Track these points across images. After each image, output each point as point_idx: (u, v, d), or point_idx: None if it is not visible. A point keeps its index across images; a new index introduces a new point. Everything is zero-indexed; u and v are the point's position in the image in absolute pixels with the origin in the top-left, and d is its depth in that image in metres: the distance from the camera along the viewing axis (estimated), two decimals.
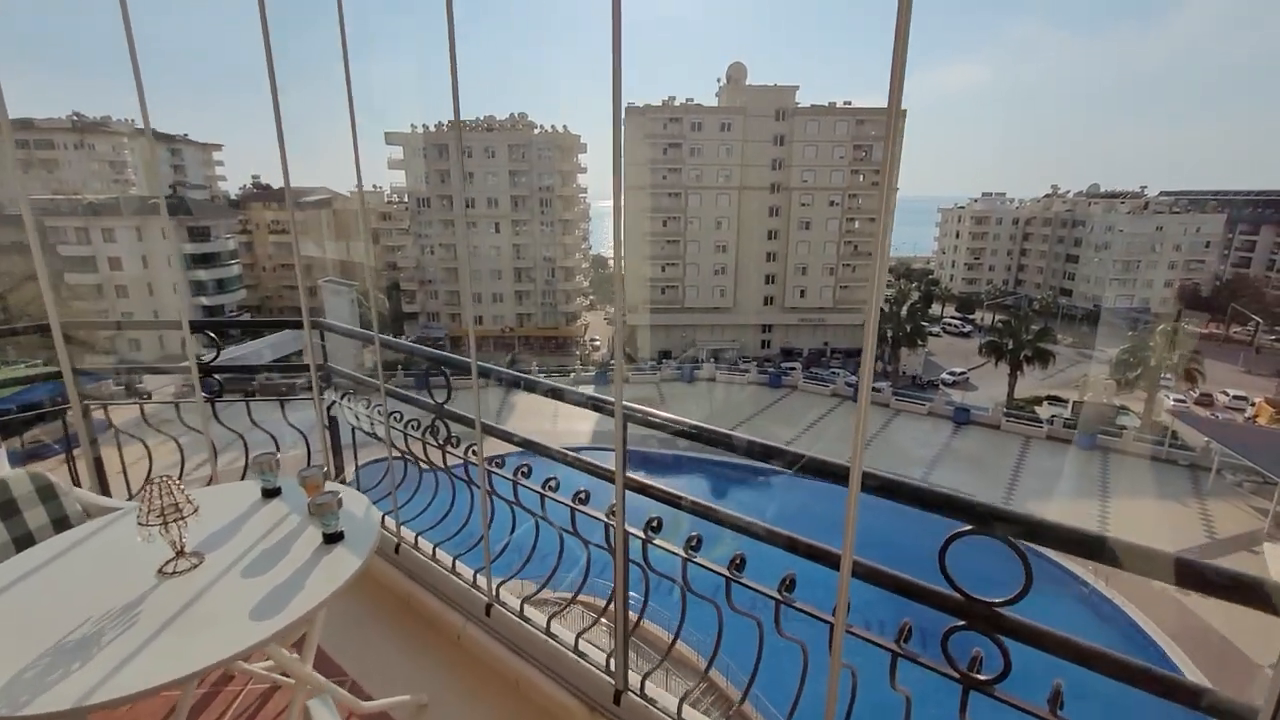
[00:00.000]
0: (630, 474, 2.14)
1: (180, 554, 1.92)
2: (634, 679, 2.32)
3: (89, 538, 2.10)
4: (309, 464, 3.50)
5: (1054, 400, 37.70)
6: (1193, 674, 14.61)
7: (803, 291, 53.85)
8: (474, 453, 2.80)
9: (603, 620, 2.66)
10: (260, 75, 2.73)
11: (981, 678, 1.48)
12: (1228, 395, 39.00)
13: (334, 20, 2.43)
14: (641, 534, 2.16)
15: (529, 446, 2.62)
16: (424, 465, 3.14)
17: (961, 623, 1.49)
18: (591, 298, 63.64)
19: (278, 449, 3.40)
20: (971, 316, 64.07)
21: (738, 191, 52.15)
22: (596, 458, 2.44)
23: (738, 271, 53.36)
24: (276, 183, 63.88)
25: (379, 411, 3.23)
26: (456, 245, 52.57)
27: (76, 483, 3.42)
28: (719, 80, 54.38)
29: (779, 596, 1.83)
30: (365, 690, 2.56)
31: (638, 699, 2.27)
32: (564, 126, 54.13)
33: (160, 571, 1.87)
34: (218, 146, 66.83)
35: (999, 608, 1.44)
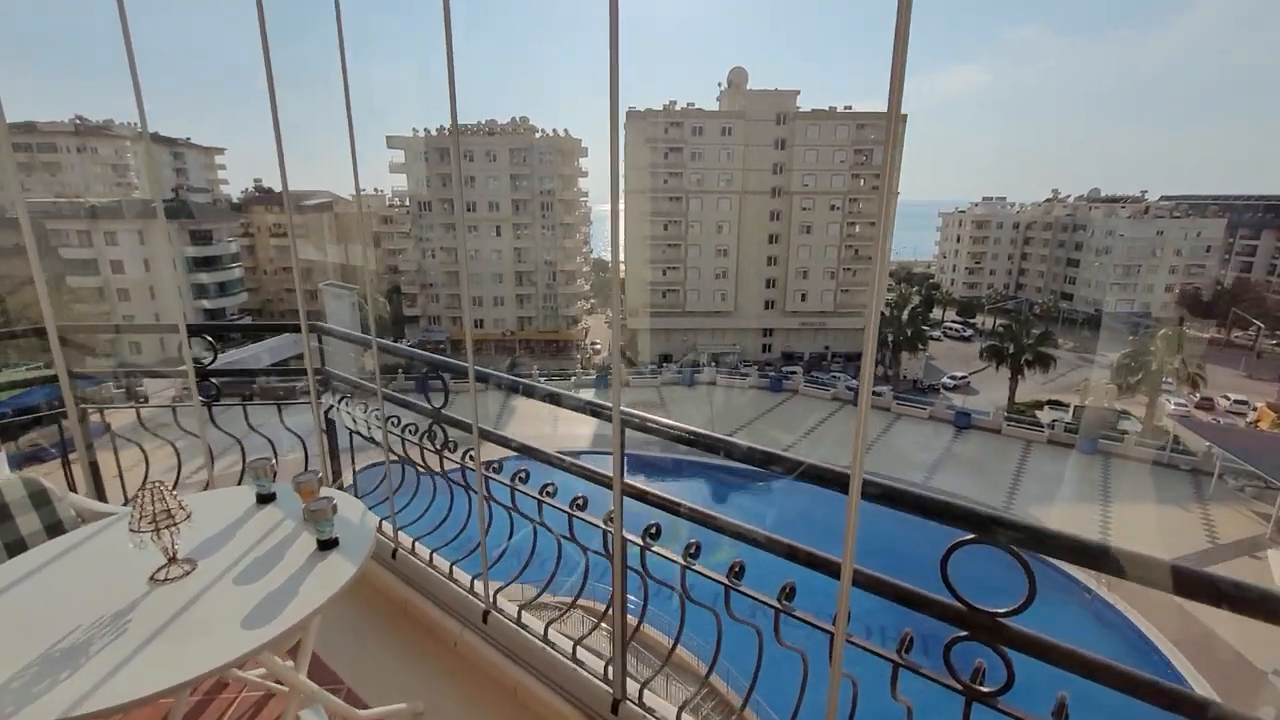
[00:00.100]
0: (629, 479, 2.12)
1: (172, 561, 1.89)
2: (632, 688, 2.30)
3: (81, 544, 2.08)
4: (306, 468, 3.49)
5: (1055, 404, 37.63)
6: (1197, 682, 14.54)
7: (804, 295, 53.86)
8: (471, 458, 2.78)
9: (602, 625, 2.64)
10: (262, 80, 2.72)
11: (984, 690, 1.46)
12: (1229, 400, 38.93)
13: (334, 24, 2.42)
14: (640, 541, 2.13)
15: (526, 451, 2.60)
16: (421, 470, 3.12)
17: (964, 633, 1.46)
18: (592, 301, 63.65)
19: (275, 454, 3.38)
20: (972, 321, 64.03)
21: (739, 195, 52.22)
22: (595, 463, 2.42)
23: (739, 275, 53.38)
24: (278, 186, 63.86)
25: (376, 416, 3.21)
26: (457, 249, 52.63)
27: (73, 487, 3.40)
28: (720, 84, 54.55)
29: (778, 605, 1.80)
30: (361, 698, 2.53)
31: (636, 708, 2.24)
32: (565, 130, 54.27)
33: (152, 579, 1.85)
34: (220, 150, 67.03)
35: (1002, 618, 1.42)
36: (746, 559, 1.97)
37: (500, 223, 52.69)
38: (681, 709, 2.17)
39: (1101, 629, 16.84)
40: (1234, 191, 70.78)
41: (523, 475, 2.58)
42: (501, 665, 2.60)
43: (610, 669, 2.32)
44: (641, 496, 2.12)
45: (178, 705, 2.15)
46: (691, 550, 2.05)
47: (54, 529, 2.36)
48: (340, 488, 3.72)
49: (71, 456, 3.49)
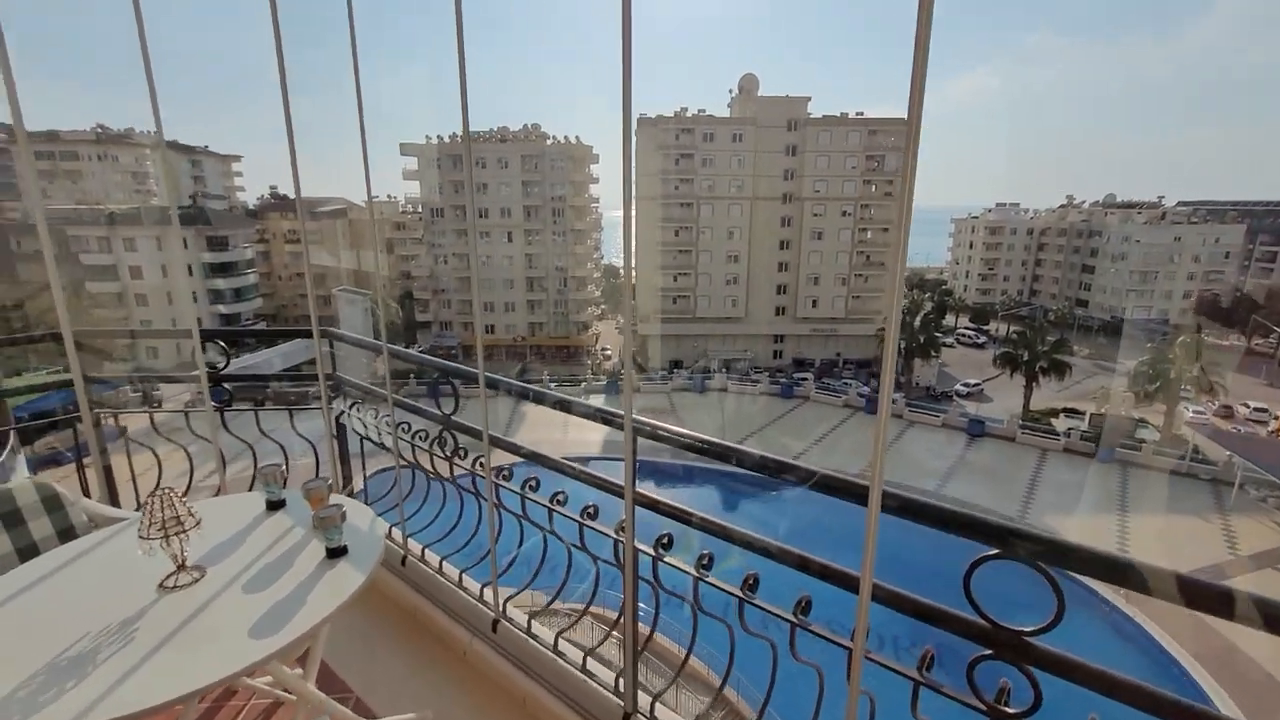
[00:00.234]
0: (640, 488, 2.08)
1: (182, 568, 1.88)
2: (643, 700, 2.26)
3: (92, 550, 2.08)
4: (317, 474, 3.49)
5: (1070, 412, 37.12)
6: (1221, 699, 14.20)
7: (815, 301, 53.64)
8: (482, 465, 2.76)
9: (612, 635, 2.60)
10: (278, 88, 2.73)
11: (1010, 710, 1.41)
12: (1248, 408, 38.21)
13: (349, 30, 2.43)
14: (652, 551, 2.10)
15: (536, 458, 2.58)
16: (432, 476, 3.10)
17: (988, 651, 1.41)
18: (603, 307, 63.76)
19: (286, 459, 3.39)
20: (986, 327, 63.44)
21: (749, 202, 52.19)
22: (605, 469, 2.39)
23: (749, 281, 53.28)
24: (294, 193, 64.70)
25: (387, 422, 3.20)
26: (469, 255, 52.96)
27: (86, 491, 3.42)
28: (731, 91, 54.66)
29: (794, 619, 1.76)
30: (369, 707, 2.51)
31: None
32: (577, 137, 54.56)
33: (161, 585, 1.84)
34: (237, 158, 68.02)
35: (1029, 637, 1.37)
36: (759, 568, 1.93)
37: (512, 229, 52.98)
38: None
39: (1122, 643, 16.51)
40: (1253, 197, 69.78)
41: (533, 483, 2.56)
42: (511, 675, 2.57)
43: (621, 681, 2.28)
44: (653, 506, 2.09)
45: (186, 713, 2.14)
46: (704, 561, 2.01)
47: (66, 534, 2.36)
48: (350, 493, 3.71)
49: (86, 460, 3.51)
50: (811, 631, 1.73)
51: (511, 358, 52.52)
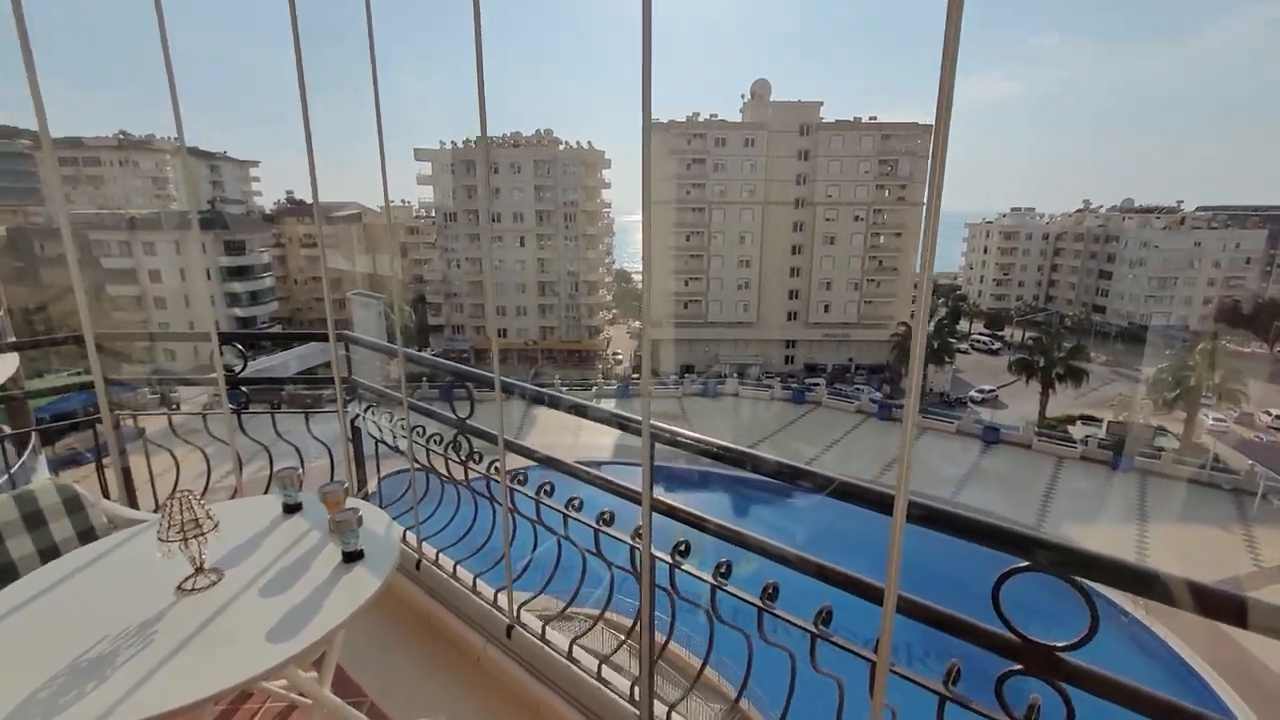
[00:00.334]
0: (656, 494, 2.06)
1: (199, 570, 1.89)
2: (659, 709, 2.23)
3: (111, 551, 2.09)
4: (332, 477, 3.50)
5: (1088, 420, 36.59)
6: (1242, 713, 13.88)
7: (827, 306, 53.37)
8: (497, 469, 2.75)
9: (628, 642, 2.57)
10: (296, 94, 2.76)
11: None
12: (1270, 415, 37.47)
13: (364, 39, 2.44)
14: (669, 558, 2.08)
15: (552, 464, 2.56)
16: (446, 480, 3.10)
17: (1018, 667, 1.38)
18: (614, 312, 63.85)
19: (301, 461, 3.40)
20: (1000, 333, 62.77)
21: (761, 206, 52.09)
22: (618, 473, 2.37)
23: (761, 286, 53.12)
24: (310, 198, 65.55)
25: (402, 425, 3.20)
26: (481, 259, 53.29)
27: (106, 492, 3.45)
28: (743, 96, 54.62)
29: (815, 630, 1.73)
30: (384, 712, 2.50)
31: None
32: (589, 142, 54.77)
33: (179, 588, 1.84)
34: (255, 163, 68.98)
35: (1061, 652, 1.33)
36: (772, 576, 1.90)
37: (524, 233, 53.24)
38: None
39: (1142, 656, 16.18)
40: (1276, 202, 68.58)
41: (548, 488, 2.54)
42: (525, 682, 2.55)
43: (637, 689, 2.26)
44: (670, 513, 2.06)
45: (202, 716, 2.14)
46: (722, 570, 1.98)
47: (86, 535, 2.38)
48: (365, 496, 3.72)
49: (105, 461, 3.54)
50: (833, 643, 1.70)
51: (523, 361, 52.68)
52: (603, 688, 2.33)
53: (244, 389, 3.46)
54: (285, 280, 58.41)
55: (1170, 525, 24.21)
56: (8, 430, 4.12)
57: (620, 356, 54.63)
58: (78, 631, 1.66)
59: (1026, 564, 1.33)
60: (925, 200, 1.20)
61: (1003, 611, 1.38)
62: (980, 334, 62.32)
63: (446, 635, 2.90)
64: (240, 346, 3.53)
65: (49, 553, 2.26)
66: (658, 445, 2.05)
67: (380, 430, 3.30)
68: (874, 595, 1.53)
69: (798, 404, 38.62)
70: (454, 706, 2.55)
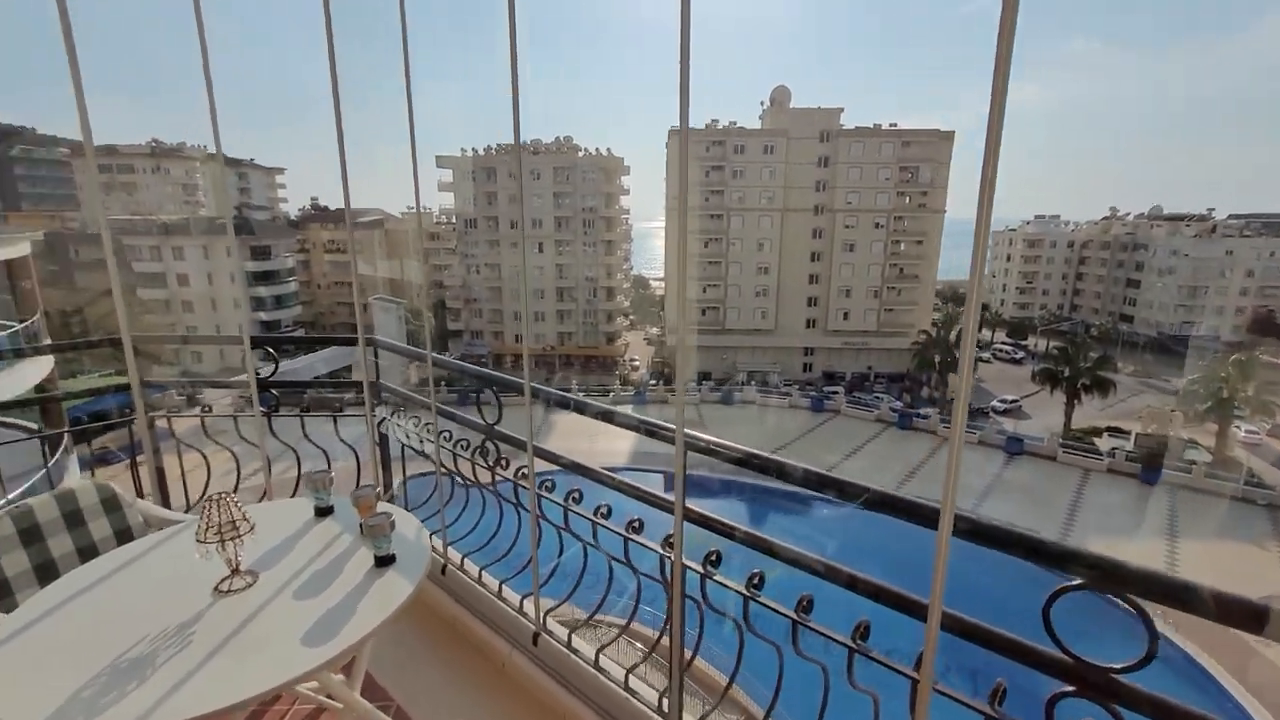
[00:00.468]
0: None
1: (235, 572, 1.90)
2: None
3: (149, 551, 2.12)
4: (358, 480, 3.53)
5: (1115, 431, 35.78)
6: None
7: (846, 314, 52.94)
8: (524, 475, 2.75)
9: (653, 652, 2.54)
10: (321, 101, 2.80)
11: None
12: None
13: (387, 45, 2.47)
14: (700, 568, 2.05)
15: (580, 470, 2.55)
16: (470, 484, 3.10)
17: (1070, 688, 1.33)
18: (632, 318, 63.93)
19: (329, 464, 3.43)
20: (1024, 342, 61.70)
21: (780, 213, 51.91)
22: (635, 479, 2.37)
23: (780, 293, 52.87)
24: (334, 204, 66.88)
25: (428, 429, 3.22)
26: (518, 264, 53.75)
27: (139, 490, 3.51)
28: (762, 103, 54.58)
29: (854, 645, 1.69)
30: (411, 717, 2.50)
31: None
32: (608, 149, 55.08)
33: (216, 589, 1.86)
34: (280, 170, 70.41)
35: (1117, 674, 1.28)
36: (802, 588, 1.86)
37: (543, 239, 53.62)
38: None
39: (1174, 675, 15.71)
40: None
41: (576, 495, 2.53)
42: (551, 690, 2.53)
43: (665, 701, 2.23)
44: (703, 522, 2.04)
45: (234, 718, 2.15)
46: (755, 581, 1.95)
47: (123, 534, 2.42)
48: (390, 500, 3.74)
49: (138, 459, 3.61)
50: (872, 659, 1.66)
51: (541, 367, 52.93)
52: (630, 698, 2.31)
53: (274, 393, 3.50)
54: (309, 285, 59.40)
55: (1202, 541, 23.54)
56: (43, 429, 4.22)
57: (637, 363, 54.64)
58: (118, 631, 1.68)
59: (1079, 582, 1.29)
60: (977, 207, 1.17)
61: (1054, 631, 1.34)
62: (1003, 343, 61.32)
63: (472, 641, 2.90)
64: (270, 350, 3.58)
65: (87, 551, 2.30)
66: (670, 450, 2.02)
67: (408, 435, 3.31)
68: (916, 610, 1.49)
69: (816, 412, 38.29)
70: (480, 713, 2.54)
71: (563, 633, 2.64)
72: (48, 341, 15.05)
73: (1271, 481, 26.71)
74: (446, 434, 3.12)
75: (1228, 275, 56.20)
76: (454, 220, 56.84)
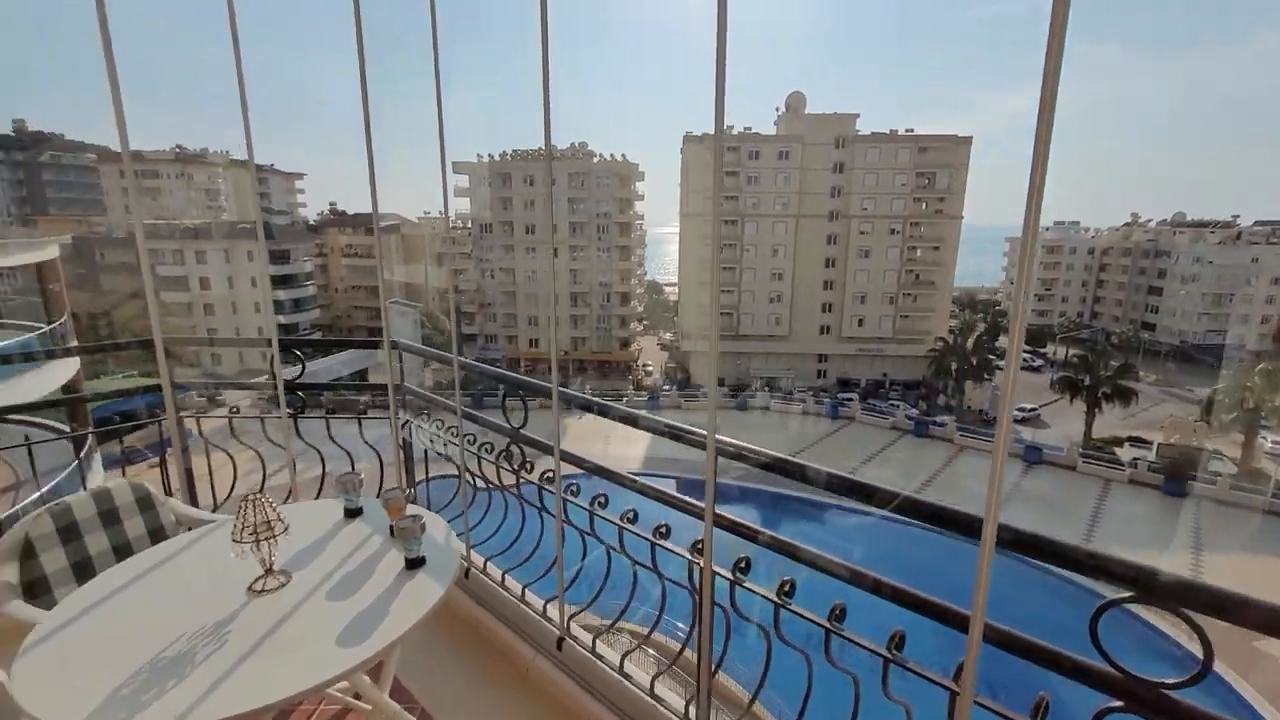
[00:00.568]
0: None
1: (269, 572, 1.92)
2: None
3: (182, 550, 2.14)
4: (381, 480, 3.55)
5: (1136, 441, 35.12)
6: None
7: (861, 320, 52.58)
8: (549, 479, 2.75)
9: (678, 662, 2.52)
10: (340, 107, 2.84)
11: None
12: None
13: (402, 53, 2.50)
14: (729, 575, 2.03)
15: (606, 474, 2.55)
16: (494, 487, 3.11)
17: (1118, 704, 1.30)
18: (645, 323, 63.97)
19: (352, 465, 3.46)
20: (1042, 350, 60.87)
21: (795, 219, 51.75)
22: (665, 487, 2.37)
23: (794, 300, 52.65)
24: (352, 209, 67.75)
25: (451, 432, 3.24)
26: (532, 269, 54.06)
27: (168, 489, 3.56)
28: (778, 109, 54.54)
29: (890, 655, 1.66)
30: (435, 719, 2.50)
31: None
32: (623, 155, 55.28)
33: (250, 589, 1.87)
34: (300, 175, 71.48)
35: (1169, 690, 1.25)
36: (832, 596, 1.84)
37: (558, 245, 53.86)
38: None
39: (1200, 693, 15.33)
40: None
41: (602, 499, 2.53)
42: (575, 695, 2.52)
43: (692, 708, 2.21)
44: (732, 528, 2.02)
45: (264, 717, 2.17)
46: (785, 588, 1.93)
47: (156, 533, 2.45)
48: (411, 502, 3.76)
49: (153, 463, 3.68)
50: (910, 670, 1.63)
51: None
52: (657, 705, 2.29)
53: (300, 394, 3.54)
54: (326, 289, 60.11)
55: (1229, 554, 23.00)
56: (75, 429, 4.30)
57: (650, 368, 54.61)
58: (156, 629, 1.70)
59: (1130, 595, 1.26)
60: (1025, 210, 1.16)
61: (1101, 645, 1.31)
62: (1021, 351, 60.49)
63: (495, 645, 2.90)
64: (297, 352, 3.62)
65: (122, 549, 2.33)
66: (691, 457, 2.02)
67: (432, 440, 3.33)
68: (955, 621, 1.46)
69: (831, 419, 38.00)
70: (504, 717, 2.53)
71: (587, 638, 2.63)
72: (74, 343, 15.36)
73: None
74: (470, 437, 3.14)
75: (1253, 283, 55.10)
76: (469, 225, 57.35)
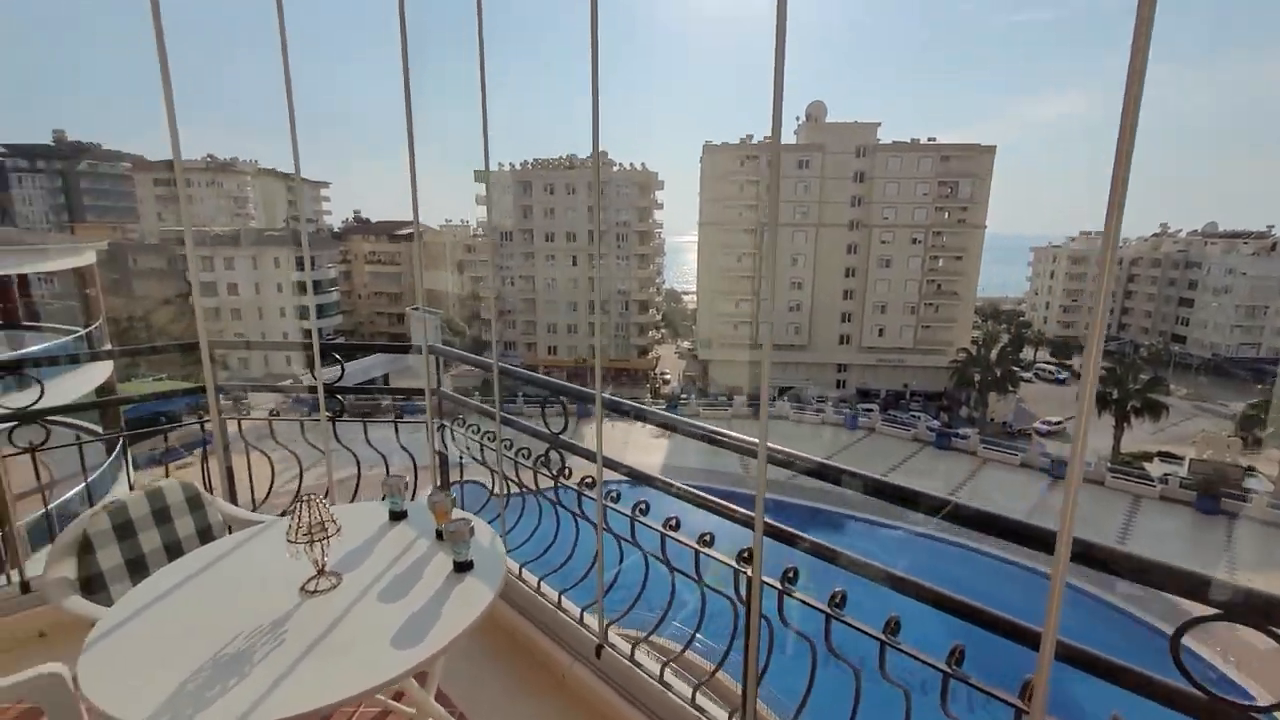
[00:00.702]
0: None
1: (321, 573, 1.93)
2: None
3: (234, 550, 2.17)
4: (415, 486, 3.57)
5: (1167, 457, 34.22)
6: None
7: (881, 330, 52.05)
8: (588, 485, 2.75)
9: (719, 672, 2.50)
10: (365, 117, 2.90)
11: None
12: None
13: (428, 63, 2.54)
14: (778, 584, 2.01)
15: (649, 481, 2.54)
16: (529, 492, 3.11)
17: None
18: (663, 331, 63.97)
19: (387, 468, 3.50)
20: (1068, 362, 59.71)
21: (815, 228, 51.50)
22: (717, 497, 2.35)
23: (813, 309, 52.31)
24: (375, 217, 68.80)
25: (488, 437, 3.25)
26: (551, 276, 54.43)
27: (209, 489, 3.62)
28: (798, 118, 54.45)
29: (950, 670, 1.63)
30: None
31: None
32: (643, 164, 55.52)
33: (303, 589, 1.89)
34: (325, 184, 72.84)
35: (1258, 714, 1.20)
36: (886, 608, 1.81)
37: (576, 252, 54.18)
38: None
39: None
40: None
41: (643, 506, 2.51)
42: (614, 704, 2.50)
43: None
44: (782, 537, 2.00)
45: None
46: (837, 600, 1.91)
47: (205, 532, 2.49)
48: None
49: (182, 459, 3.75)
50: (972, 685, 1.59)
51: (572, 379, 52.98)
52: (700, 716, 2.26)
53: (339, 398, 3.59)
54: (349, 295, 61.07)
55: (1266, 574, 22.27)
56: (122, 429, 4.39)
57: (668, 376, 54.55)
58: (215, 627, 1.72)
59: (1216, 612, 1.22)
60: (1105, 216, 1.14)
61: (1184, 664, 1.27)
62: (1046, 362, 59.43)
63: (531, 651, 2.89)
64: (338, 356, 3.68)
65: (173, 548, 2.37)
66: (724, 466, 2.00)
67: (468, 446, 3.35)
68: (1026, 638, 1.43)
69: (851, 429, 37.62)
70: None
71: (626, 647, 2.62)
72: (107, 346, 15.75)
73: None
74: (506, 442, 3.15)
75: None
76: (490, 232, 57.97)
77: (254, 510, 3.58)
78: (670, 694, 2.36)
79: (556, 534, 3.12)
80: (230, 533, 2.55)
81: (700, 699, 2.35)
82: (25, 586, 2.99)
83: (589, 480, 2.77)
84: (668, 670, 2.49)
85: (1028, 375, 52.37)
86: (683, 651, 2.56)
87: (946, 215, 50.98)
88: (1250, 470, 31.30)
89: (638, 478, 2.60)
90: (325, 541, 1.87)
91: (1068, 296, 68.94)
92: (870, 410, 40.77)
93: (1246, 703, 1.22)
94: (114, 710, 1.42)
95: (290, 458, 3.76)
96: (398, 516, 2.37)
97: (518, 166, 54.20)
